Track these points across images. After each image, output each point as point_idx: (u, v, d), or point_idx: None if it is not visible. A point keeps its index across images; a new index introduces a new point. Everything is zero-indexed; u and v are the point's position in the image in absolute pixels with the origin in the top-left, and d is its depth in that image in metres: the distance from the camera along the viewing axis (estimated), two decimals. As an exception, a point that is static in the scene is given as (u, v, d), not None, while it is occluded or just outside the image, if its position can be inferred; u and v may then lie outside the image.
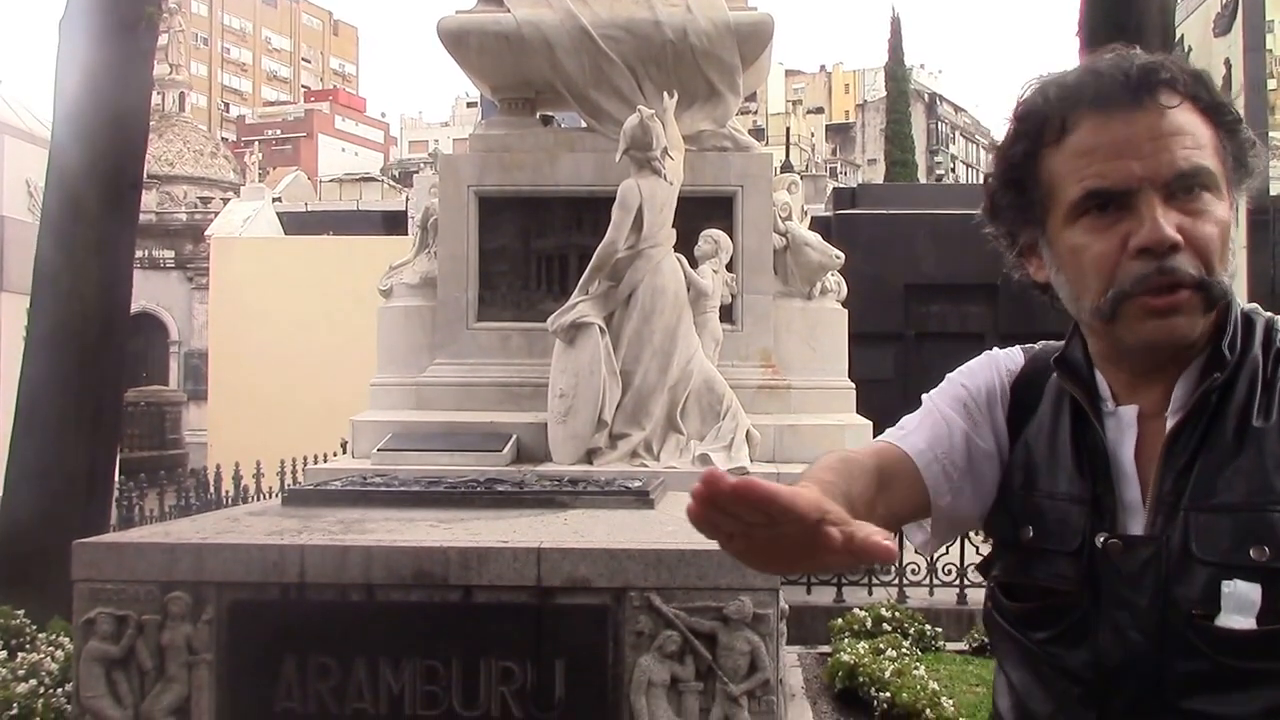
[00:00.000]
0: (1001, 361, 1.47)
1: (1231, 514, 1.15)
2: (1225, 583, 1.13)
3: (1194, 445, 1.22)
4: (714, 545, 2.95)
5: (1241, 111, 1.35)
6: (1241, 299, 1.33)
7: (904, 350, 15.43)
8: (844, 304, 9.27)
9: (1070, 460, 1.31)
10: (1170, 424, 1.25)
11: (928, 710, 4.61)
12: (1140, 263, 1.21)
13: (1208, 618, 1.15)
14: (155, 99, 25.76)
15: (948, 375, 1.52)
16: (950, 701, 4.75)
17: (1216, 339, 1.26)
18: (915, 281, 15.60)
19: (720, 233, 8.49)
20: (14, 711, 4.24)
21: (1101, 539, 1.22)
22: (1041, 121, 1.27)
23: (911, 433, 1.44)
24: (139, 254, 13.87)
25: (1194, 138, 1.23)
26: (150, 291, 23.59)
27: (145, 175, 7.60)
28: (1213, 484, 1.18)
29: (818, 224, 10.51)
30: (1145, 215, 1.21)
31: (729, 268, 8.57)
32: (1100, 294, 1.24)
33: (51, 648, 4.96)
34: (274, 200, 23.29)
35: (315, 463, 9.65)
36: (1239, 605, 1.13)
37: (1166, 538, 1.20)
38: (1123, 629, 1.20)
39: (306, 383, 13.77)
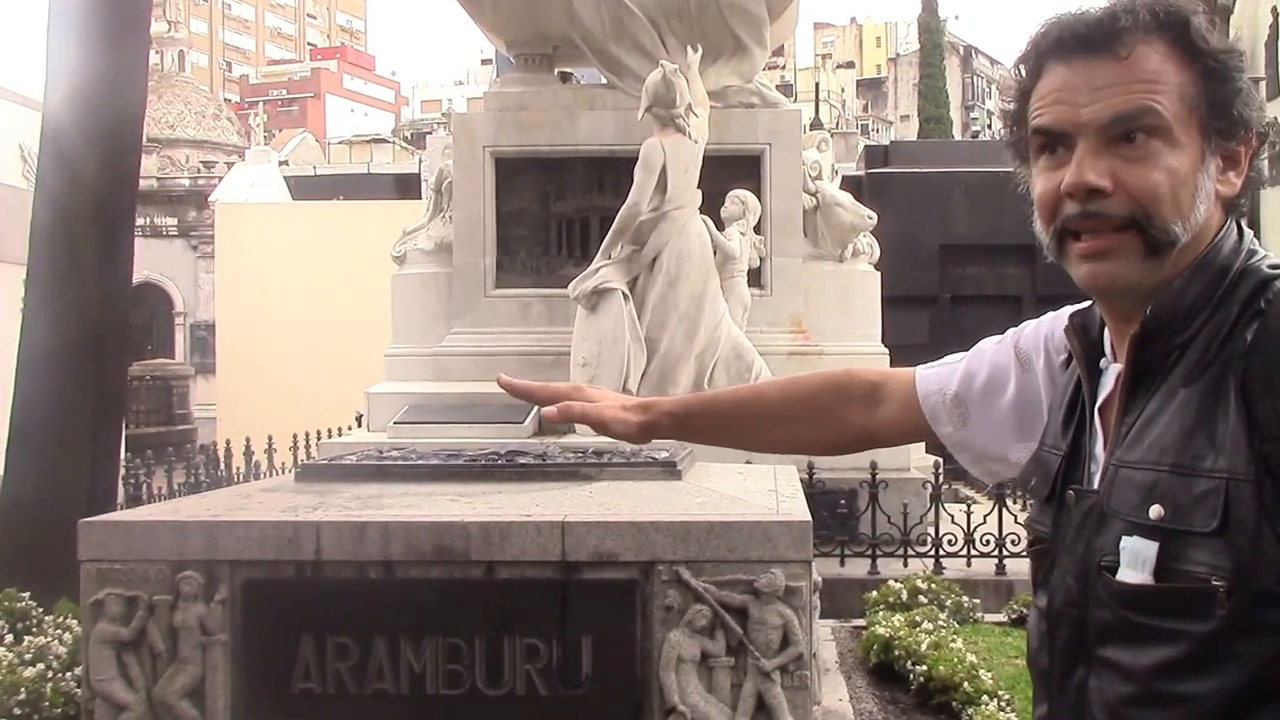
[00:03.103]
0: (1066, 315, 1.51)
1: (1141, 472, 1.22)
2: (1125, 538, 1.20)
3: (1143, 403, 1.27)
4: (745, 517, 3.15)
5: None
6: None
7: (939, 314, 15.21)
8: (877, 266, 9.13)
9: (1063, 414, 1.41)
10: (1122, 381, 1.31)
11: (966, 684, 4.51)
12: (1070, 204, 1.30)
13: (1111, 571, 1.22)
14: (153, 58, 25.44)
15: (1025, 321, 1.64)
16: (989, 674, 4.65)
17: (1201, 293, 1.28)
18: (950, 242, 15.39)
19: (747, 193, 8.35)
20: (22, 696, 4.15)
21: (1070, 491, 1.31)
22: (1026, 66, 1.37)
23: (937, 364, 1.69)
24: (140, 222, 13.70)
25: (1143, 85, 1.27)
26: (153, 261, 23.37)
27: (144, 139, 7.42)
28: (1138, 441, 1.24)
29: (849, 183, 10.35)
30: (1074, 159, 1.29)
31: (757, 230, 8.46)
32: (1045, 233, 1.35)
33: (59, 630, 4.86)
34: (280, 164, 23.07)
35: (329, 437, 9.60)
36: (1133, 561, 1.19)
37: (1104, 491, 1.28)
38: (1064, 575, 1.29)
39: (319, 354, 13.63)
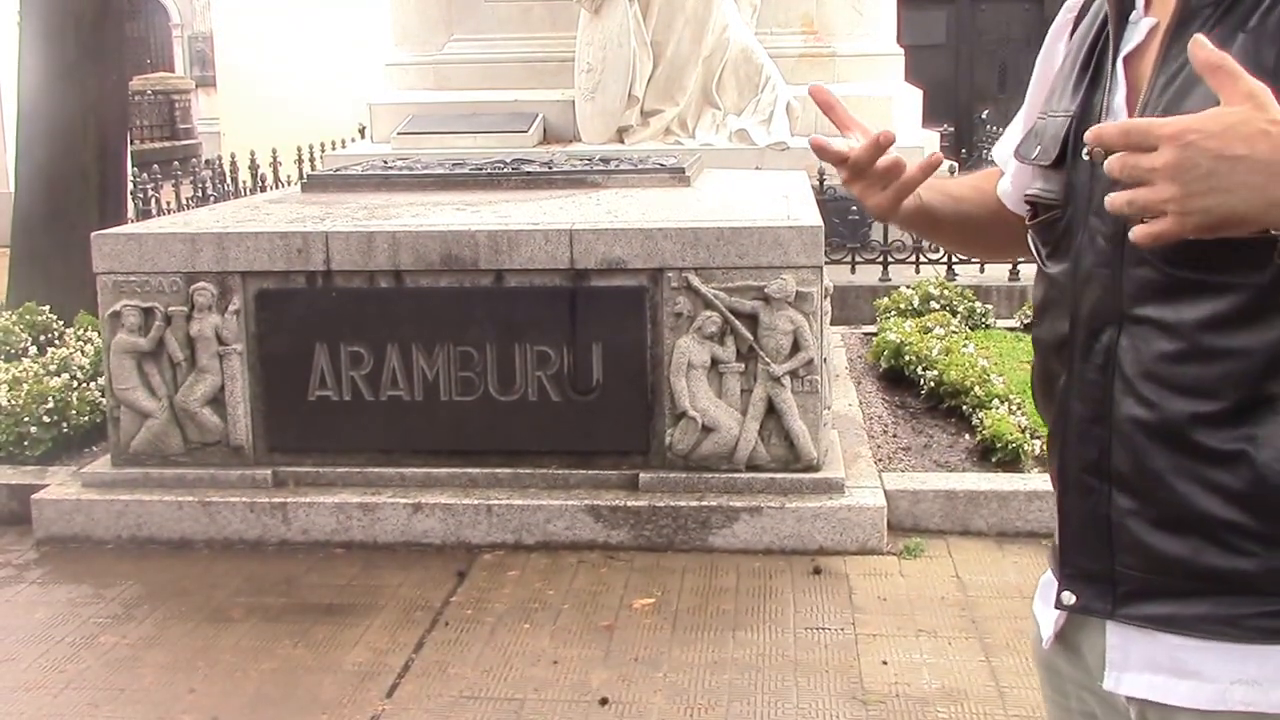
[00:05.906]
0: None
1: None
2: None
3: (1182, 56, 1.09)
4: (755, 222, 2.83)
5: None
6: None
7: (957, 12, 14.48)
8: (891, -39, 8.63)
9: (1074, 74, 1.29)
10: (1165, 26, 1.17)
11: (976, 388, 4.47)
12: None
13: None
14: None
15: None
16: (1000, 379, 4.61)
17: None
18: (970, -66, 14.52)
19: (755, -116, 7.82)
20: (49, 405, 4.26)
21: (1087, 150, 1.16)
22: None
23: (1003, 142, 1.51)
24: (126, -74, 12.90)
25: None
26: (146, -30, 22.37)
27: None
28: (1187, 91, 1.11)
29: None
30: None
31: (765, -76, 7.94)
32: None
33: (80, 343, 4.93)
34: None
35: (333, 149, 9.43)
36: None
37: None
38: (1094, 235, 1.22)
39: (320, 65, 13.28)
